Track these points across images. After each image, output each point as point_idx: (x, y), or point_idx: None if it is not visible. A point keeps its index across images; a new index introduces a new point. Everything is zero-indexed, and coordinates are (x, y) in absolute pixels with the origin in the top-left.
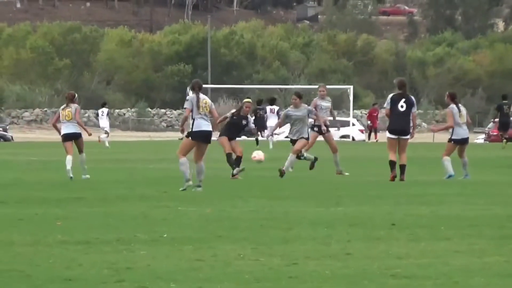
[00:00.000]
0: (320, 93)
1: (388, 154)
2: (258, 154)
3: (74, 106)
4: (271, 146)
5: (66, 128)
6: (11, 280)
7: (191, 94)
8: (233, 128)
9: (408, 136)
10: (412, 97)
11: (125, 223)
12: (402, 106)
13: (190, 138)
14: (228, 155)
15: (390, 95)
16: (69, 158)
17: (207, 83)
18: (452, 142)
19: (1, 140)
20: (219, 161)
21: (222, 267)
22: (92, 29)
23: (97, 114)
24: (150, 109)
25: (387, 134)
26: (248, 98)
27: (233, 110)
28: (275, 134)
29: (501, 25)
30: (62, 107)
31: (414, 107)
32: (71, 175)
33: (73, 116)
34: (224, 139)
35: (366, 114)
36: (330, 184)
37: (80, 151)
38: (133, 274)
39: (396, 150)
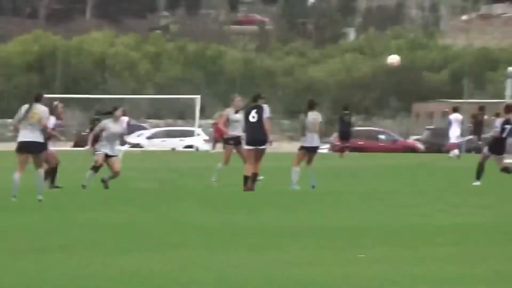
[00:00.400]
0: (236, 103)
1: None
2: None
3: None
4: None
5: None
6: None
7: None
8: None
9: (265, 146)
10: (263, 106)
11: None
12: (253, 117)
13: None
14: None
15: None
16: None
17: (55, 94)
18: (303, 149)
19: None
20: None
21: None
22: None
23: None
24: None
25: (245, 146)
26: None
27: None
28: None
29: (353, 34)
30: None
31: (265, 114)
32: None
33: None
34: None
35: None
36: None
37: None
38: None
39: (254, 162)
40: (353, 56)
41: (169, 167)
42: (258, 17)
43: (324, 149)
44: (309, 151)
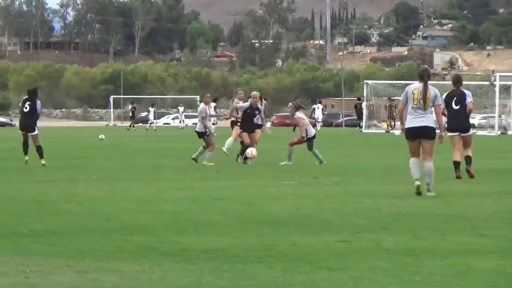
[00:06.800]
0: (239, 96)
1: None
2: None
3: None
4: None
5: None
6: None
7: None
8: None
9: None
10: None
11: None
12: (456, 104)
13: None
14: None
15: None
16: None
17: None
18: None
19: (9, 126)
20: None
21: None
22: None
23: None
24: None
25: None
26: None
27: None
28: None
29: (280, 62)
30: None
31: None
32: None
33: None
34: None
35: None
36: None
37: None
38: None
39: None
40: (281, 75)
41: None
42: (228, 53)
43: None
44: None
